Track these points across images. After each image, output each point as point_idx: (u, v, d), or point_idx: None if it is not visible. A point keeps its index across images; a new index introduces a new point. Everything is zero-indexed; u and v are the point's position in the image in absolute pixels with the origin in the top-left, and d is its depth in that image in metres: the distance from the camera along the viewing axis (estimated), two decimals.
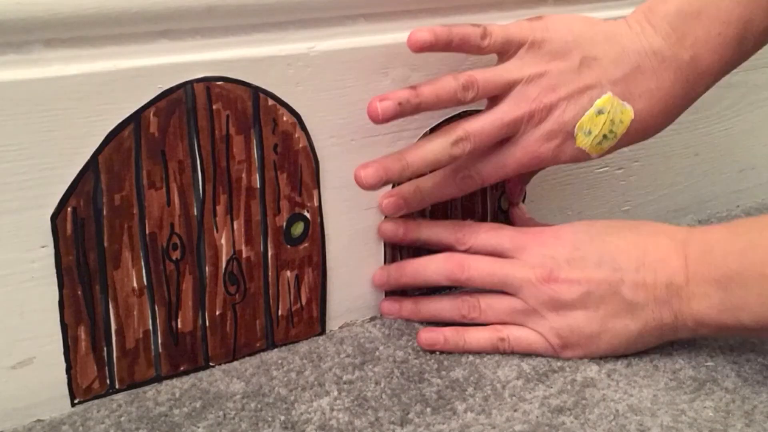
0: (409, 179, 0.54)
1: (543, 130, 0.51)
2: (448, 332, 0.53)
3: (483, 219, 0.60)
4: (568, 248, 0.51)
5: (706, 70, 0.51)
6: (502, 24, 0.52)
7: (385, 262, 0.57)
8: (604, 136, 0.51)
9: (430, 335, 0.53)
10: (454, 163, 0.52)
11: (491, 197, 0.61)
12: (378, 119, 0.50)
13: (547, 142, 0.51)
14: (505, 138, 0.52)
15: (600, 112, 0.51)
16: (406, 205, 0.54)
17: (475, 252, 0.54)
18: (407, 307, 0.56)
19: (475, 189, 0.55)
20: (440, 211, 0.58)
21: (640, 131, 0.52)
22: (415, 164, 0.51)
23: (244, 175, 0.49)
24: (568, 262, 0.51)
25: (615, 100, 0.51)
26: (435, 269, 0.54)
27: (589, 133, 0.51)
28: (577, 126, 0.51)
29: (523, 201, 0.62)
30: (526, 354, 0.53)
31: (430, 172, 0.54)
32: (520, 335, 0.52)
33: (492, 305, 0.53)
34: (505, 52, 0.52)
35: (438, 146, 0.51)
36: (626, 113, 0.51)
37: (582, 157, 0.53)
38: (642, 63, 0.51)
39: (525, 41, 0.51)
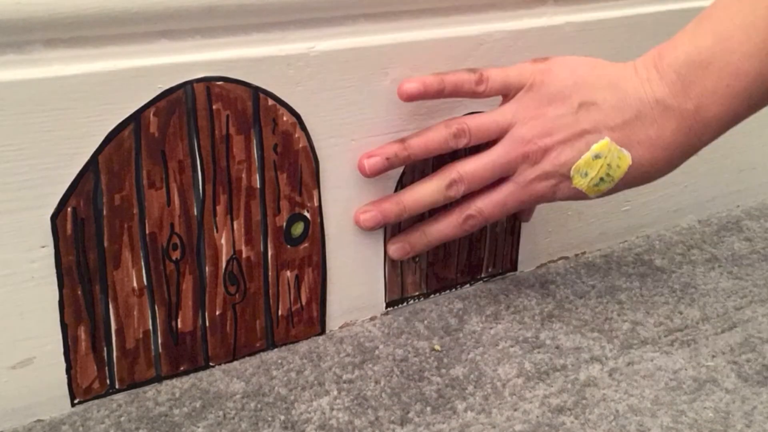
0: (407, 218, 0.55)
1: (539, 170, 0.52)
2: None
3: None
4: None
5: (713, 120, 0.50)
6: (501, 68, 0.53)
7: (385, 263, 0.57)
8: (601, 179, 0.51)
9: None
10: (455, 203, 0.54)
11: None
12: (367, 175, 0.52)
13: (544, 181, 0.52)
14: (501, 177, 0.53)
15: (597, 156, 0.51)
16: (413, 249, 0.57)
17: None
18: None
19: (480, 228, 0.56)
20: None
21: (639, 177, 0.52)
22: (412, 208, 0.54)
23: (244, 175, 0.49)
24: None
25: (612, 146, 0.50)
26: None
27: (586, 175, 0.51)
28: (573, 168, 0.51)
29: None
30: (528, 351, 0.53)
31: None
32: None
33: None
34: (505, 95, 0.53)
35: (433, 189, 0.53)
36: (624, 159, 0.51)
37: (580, 196, 0.53)
38: (643, 110, 0.50)
39: (524, 84, 0.52)
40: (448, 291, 0.61)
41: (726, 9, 0.49)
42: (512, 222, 0.62)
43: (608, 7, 0.61)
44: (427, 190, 0.53)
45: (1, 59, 0.41)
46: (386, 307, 0.58)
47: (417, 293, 0.60)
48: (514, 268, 0.64)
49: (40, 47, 0.42)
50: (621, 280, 0.64)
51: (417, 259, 0.58)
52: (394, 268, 0.58)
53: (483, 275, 0.63)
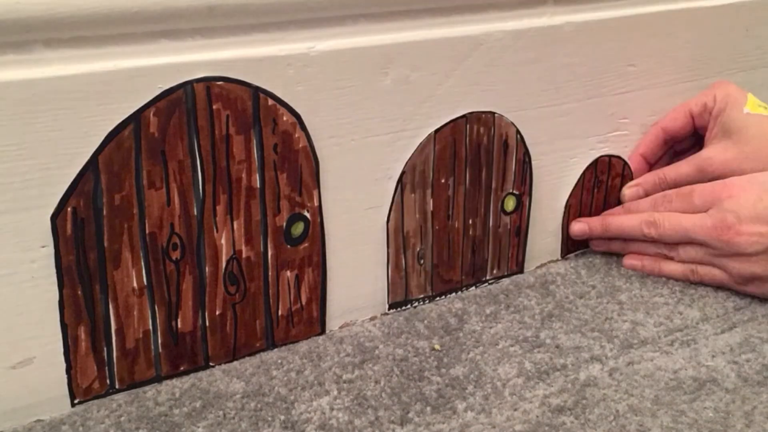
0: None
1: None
2: (647, 260, 0.64)
3: (485, 220, 0.60)
4: (752, 200, 0.57)
5: None
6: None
7: (387, 263, 0.57)
8: None
9: (631, 261, 0.65)
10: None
11: (494, 199, 0.60)
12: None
13: None
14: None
15: None
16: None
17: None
18: (595, 223, 0.66)
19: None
20: (440, 212, 0.58)
21: None
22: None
23: (244, 175, 0.49)
24: (750, 218, 0.56)
25: None
26: (633, 227, 0.63)
27: None
28: None
29: (530, 198, 0.62)
30: (528, 350, 0.53)
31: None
32: (708, 272, 0.61)
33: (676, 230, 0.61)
34: None
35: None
36: None
37: None
38: None
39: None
40: (453, 294, 0.61)
41: None
42: (517, 223, 0.62)
43: (608, 7, 0.61)
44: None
45: (1, 59, 0.41)
46: (389, 309, 0.58)
47: (422, 296, 0.59)
48: (521, 270, 0.64)
49: (40, 47, 0.42)
50: (621, 280, 0.64)
51: (422, 262, 0.58)
52: (398, 270, 0.58)
53: (488, 277, 0.63)
